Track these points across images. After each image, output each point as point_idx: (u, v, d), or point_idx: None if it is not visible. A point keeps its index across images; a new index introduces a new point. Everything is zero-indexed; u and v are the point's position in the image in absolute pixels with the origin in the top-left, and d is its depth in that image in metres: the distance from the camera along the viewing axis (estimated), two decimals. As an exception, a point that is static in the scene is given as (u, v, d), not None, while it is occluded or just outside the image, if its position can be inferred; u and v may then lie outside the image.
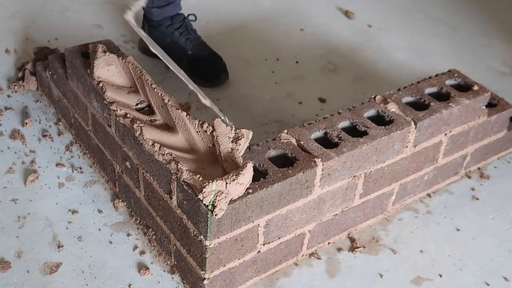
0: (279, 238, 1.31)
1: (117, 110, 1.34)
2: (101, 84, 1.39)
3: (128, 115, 1.32)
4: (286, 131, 1.33)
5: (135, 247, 1.40)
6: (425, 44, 2.23)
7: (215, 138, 1.20)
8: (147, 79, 1.38)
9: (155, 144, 1.23)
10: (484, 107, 1.54)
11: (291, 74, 2.01)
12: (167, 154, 1.21)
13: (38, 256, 1.36)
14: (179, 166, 1.18)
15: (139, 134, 1.27)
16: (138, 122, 1.29)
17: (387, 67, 2.07)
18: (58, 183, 1.53)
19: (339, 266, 1.41)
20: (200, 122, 1.25)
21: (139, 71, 1.41)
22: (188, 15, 1.97)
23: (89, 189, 1.52)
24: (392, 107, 1.42)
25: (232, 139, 1.19)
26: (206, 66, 1.90)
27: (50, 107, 1.74)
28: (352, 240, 1.47)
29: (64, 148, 1.62)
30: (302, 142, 1.30)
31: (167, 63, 1.43)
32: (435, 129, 1.44)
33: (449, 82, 1.55)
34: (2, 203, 1.46)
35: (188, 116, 1.26)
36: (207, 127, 1.23)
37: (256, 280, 1.35)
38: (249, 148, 1.28)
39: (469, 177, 1.67)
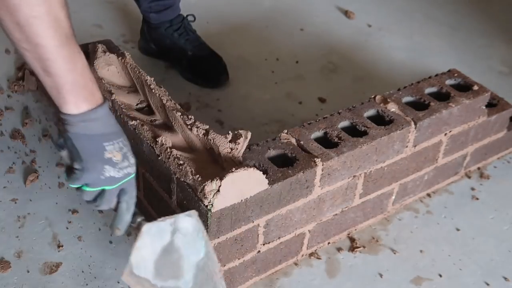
0: (279, 238, 1.31)
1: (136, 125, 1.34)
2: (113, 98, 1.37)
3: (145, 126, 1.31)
4: (286, 131, 1.33)
5: (135, 247, 1.39)
6: (425, 44, 2.23)
7: (212, 140, 1.20)
8: (146, 79, 1.38)
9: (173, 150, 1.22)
10: (484, 107, 1.54)
11: (291, 74, 2.01)
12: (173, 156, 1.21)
13: (38, 256, 1.36)
14: (184, 166, 1.18)
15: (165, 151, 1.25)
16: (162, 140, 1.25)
17: (387, 67, 2.07)
18: (58, 183, 1.53)
19: (339, 266, 1.41)
20: (190, 125, 1.25)
21: (137, 71, 1.41)
22: (187, 15, 1.97)
23: (89, 189, 1.52)
24: (392, 107, 1.42)
25: (230, 139, 1.20)
26: (206, 67, 1.90)
27: (50, 107, 1.74)
28: (352, 240, 1.47)
29: (64, 148, 1.62)
30: (302, 142, 1.30)
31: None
32: (435, 129, 1.44)
33: (449, 82, 1.55)
34: (2, 203, 1.46)
35: (182, 118, 1.26)
36: (197, 130, 1.23)
37: (256, 280, 1.35)
38: (249, 148, 1.28)
39: (469, 177, 1.67)
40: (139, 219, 1.10)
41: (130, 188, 1.10)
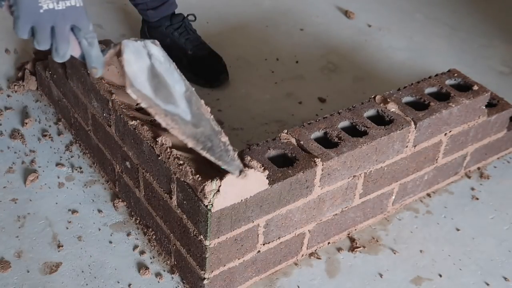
0: (279, 238, 1.31)
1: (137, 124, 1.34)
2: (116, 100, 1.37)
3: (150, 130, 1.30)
4: (286, 131, 1.33)
5: (135, 247, 1.40)
6: (425, 44, 2.23)
7: None
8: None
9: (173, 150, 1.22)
10: (484, 107, 1.54)
11: (291, 74, 2.01)
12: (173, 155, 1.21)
13: (38, 256, 1.36)
14: (184, 166, 1.17)
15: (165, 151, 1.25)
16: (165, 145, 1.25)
17: (387, 67, 2.07)
18: (58, 183, 1.53)
19: (339, 266, 1.41)
20: None
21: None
22: (188, 15, 1.97)
23: (89, 189, 1.52)
24: (392, 107, 1.42)
25: None
26: (206, 67, 1.90)
27: (50, 107, 1.74)
28: (352, 240, 1.47)
29: (64, 148, 1.63)
30: (302, 142, 1.30)
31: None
32: (435, 129, 1.44)
33: (449, 82, 1.55)
34: (2, 203, 1.46)
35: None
36: None
37: (256, 280, 1.35)
38: (249, 148, 1.28)
39: (469, 177, 1.67)
40: (111, 49, 1.09)
41: (82, 23, 1.04)
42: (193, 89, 1.17)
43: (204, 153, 1.11)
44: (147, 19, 1.93)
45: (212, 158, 1.11)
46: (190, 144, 1.10)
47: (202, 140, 1.12)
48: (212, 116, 1.17)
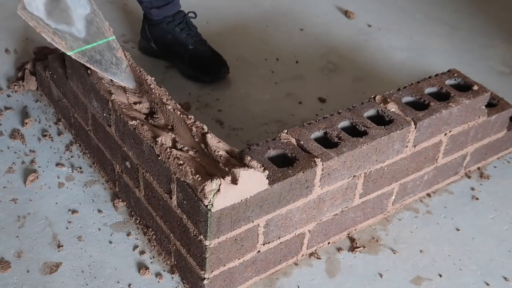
0: (279, 238, 1.31)
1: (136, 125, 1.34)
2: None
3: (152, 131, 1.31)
4: (286, 131, 1.33)
5: (135, 247, 1.40)
6: (425, 44, 2.23)
7: (208, 145, 1.21)
8: (146, 79, 1.38)
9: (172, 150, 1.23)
10: (484, 107, 1.54)
11: (291, 74, 2.01)
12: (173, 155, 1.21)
13: (38, 256, 1.36)
14: (184, 166, 1.18)
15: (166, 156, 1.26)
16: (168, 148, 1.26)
17: (387, 67, 2.07)
18: (58, 183, 1.53)
19: (339, 266, 1.41)
20: (190, 125, 1.25)
21: (138, 71, 1.41)
22: (188, 12, 1.97)
23: (89, 189, 1.52)
24: (392, 107, 1.42)
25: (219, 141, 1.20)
26: (207, 61, 1.91)
27: (50, 107, 1.75)
28: (352, 240, 1.47)
29: (64, 148, 1.63)
30: (302, 142, 1.30)
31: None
32: (435, 129, 1.44)
33: (449, 82, 1.55)
34: (2, 203, 1.46)
35: (182, 117, 1.26)
36: (197, 129, 1.23)
37: (256, 280, 1.35)
38: (249, 148, 1.28)
39: (469, 177, 1.67)
40: None
41: None
42: (100, 12, 1.37)
43: (89, 65, 1.31)
44: (150, 17, 1.94)
45: (97, 69, 1.31)
46: (74, 56, 1.30)
47: (91, 54, 1.31)
48: (112, 35, 1.38)
